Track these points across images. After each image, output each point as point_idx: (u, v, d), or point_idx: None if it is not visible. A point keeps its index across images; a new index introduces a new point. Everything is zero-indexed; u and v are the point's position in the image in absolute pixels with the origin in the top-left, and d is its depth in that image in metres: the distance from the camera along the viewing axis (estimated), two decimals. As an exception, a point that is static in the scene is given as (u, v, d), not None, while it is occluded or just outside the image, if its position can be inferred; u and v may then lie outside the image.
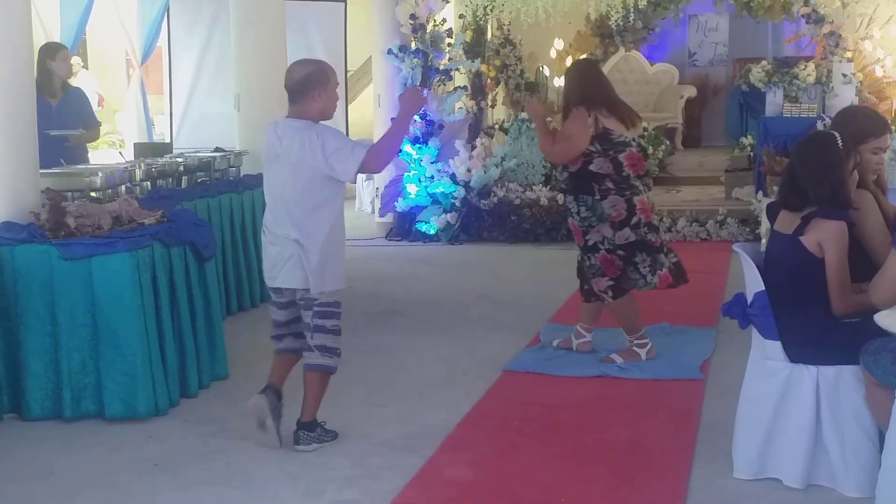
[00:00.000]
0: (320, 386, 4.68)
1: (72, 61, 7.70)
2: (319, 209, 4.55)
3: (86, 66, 11.88)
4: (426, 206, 10.54)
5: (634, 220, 5.79)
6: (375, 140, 4.92)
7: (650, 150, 12.50)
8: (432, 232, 10.32)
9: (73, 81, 8.30)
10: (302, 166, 4.52)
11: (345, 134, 4.96)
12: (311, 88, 4.59)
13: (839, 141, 4.07)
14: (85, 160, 7.55)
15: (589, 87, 5.83)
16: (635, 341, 6.02)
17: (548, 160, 5.69)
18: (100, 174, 6.14)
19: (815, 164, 4.07)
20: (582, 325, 6.22)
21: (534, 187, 10.60)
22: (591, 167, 5.74)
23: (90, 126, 7.71)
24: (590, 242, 5.86)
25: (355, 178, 4.71)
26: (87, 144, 7.83)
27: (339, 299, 4.67)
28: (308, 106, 4.61)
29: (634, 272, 5.88)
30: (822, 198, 4.01)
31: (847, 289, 3.98)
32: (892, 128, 10.03)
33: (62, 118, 7.39)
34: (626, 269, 5.86)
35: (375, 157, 4.58)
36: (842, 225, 3.98)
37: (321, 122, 4.65)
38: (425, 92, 10.52)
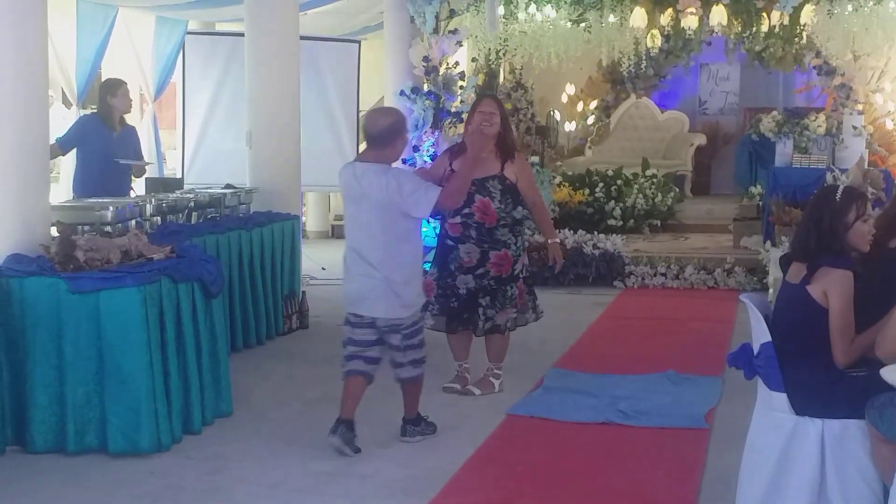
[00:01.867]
0: (417, 389, 5.41)
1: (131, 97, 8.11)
2: (402, 244, 5.13)
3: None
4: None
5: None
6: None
7: (659, 198, 12.55)
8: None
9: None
10: (383, 206, 5.05)
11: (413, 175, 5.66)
12: (394, 136, 5.14)
13: (838, 194, 4.08)
14: (128, 193, 7.89)
15: (508, 124, 6.37)
16: (495, 370, 6.38)
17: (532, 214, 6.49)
18: (111, 208, 6.17)
19: (809, 215, 4.11)
20: (466, 366, 6.45)
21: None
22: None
23: (140, 160, 8.13)
24: (515, 272, 6.23)
25: (429, 216, 5.45)
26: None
27: (419, 316, 5.36)
28: (388, 152, 5.15)
29: (532, 303, 6.40)
30: (822, 249, 4.03)
31: (848, 336, 3.96)
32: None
33: (122, 149, 7.79)
34: (527, 301, 6.36)
35: (449, 197, 5.27)
36: (847, 274, 3.98)
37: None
38: (436, 134, 10.59)
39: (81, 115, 8.52)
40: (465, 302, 6.19)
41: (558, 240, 6.76)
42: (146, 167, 8.24)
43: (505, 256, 6.16)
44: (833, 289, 3.96)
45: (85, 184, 7.58)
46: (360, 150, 5.42)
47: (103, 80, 8.54)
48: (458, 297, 6.20)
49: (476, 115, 6.12)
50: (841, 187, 4.14)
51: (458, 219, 6.14)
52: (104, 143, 7.68)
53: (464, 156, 5.77)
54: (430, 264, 6.43)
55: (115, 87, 7.90)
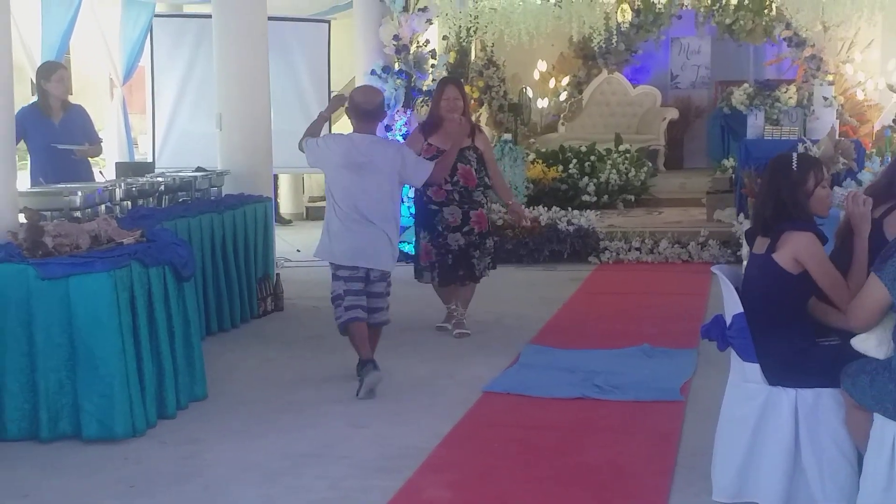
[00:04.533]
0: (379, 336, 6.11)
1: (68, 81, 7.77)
2: (395, 205, 6.03)
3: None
4: (408, 227, 10.53)
5: None
6: None
7: (632, 173, 12.57)
8: (414, 252, 10.28)
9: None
10: (386, 173, 5.90)
11: None
12: (382, 113, 6.09)
13: (794, 163, 4.08)
14: (90, 176, 7.66)
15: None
16: (467, 315, 7.29)
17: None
18: (79, 193, 6.11)
19: (767, 188, 4.12)
20: (453, 307, 7.26)
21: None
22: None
23: (92, 142, 7.77)
24: (490, 227, 7.26)
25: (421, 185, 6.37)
26: (91, 160, 7.92)
27: None
28: (376, 125, 6.02)
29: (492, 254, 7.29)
30: (782, 219, 4.03)
31: (842, 290, 3.94)
32: (872, 152, 10.13)
33: (65, 136, 7.50)
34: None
35: (440, 171, 6.35)
36: (810, 235, 3.98)
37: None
38: (409, 113, 10.55)
39: (20, 108, 8.30)
40: (458, 257, 7.07)
41: (524, 212, 7.42)
42: (92, 148, 7.72)
43: (482, 215, 7.13)
44: (803, 254, 3.97)
45: (36, 176, 7.40)
46: (355, 125, 6.03)
47: (40, 64, 8.18)
48: (452, 253, 7.08)
49: (442, 102, 6.99)
50: (794, 156, 4.13)
51: (448, 186, 6.95)
52: (44, 133, 7.43)
53: (442, 132, 6.87)
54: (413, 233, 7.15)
55: (48, 72, 7.58)
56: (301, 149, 6.15)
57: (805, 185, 4.06)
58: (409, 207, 10.52)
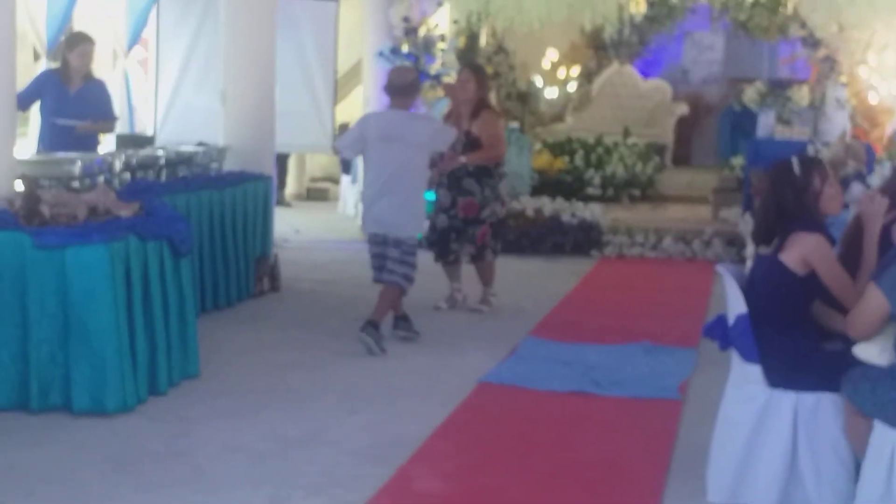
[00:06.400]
0: (391, 298, 6.43)
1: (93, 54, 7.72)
2: (422, 176, 6.50)
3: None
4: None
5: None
6: None
7: (639, 167, 12.49)
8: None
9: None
10: (416, 147, 6.32)
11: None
12: (415, 89, 6.58)
13: (796, 167, 4.01)
14: (95, 150, 7.52)
15: (486, 91, 7.65)
16: (490, 293, 7.55)
17: (486, 162, 7.34)
18: (78, 163, 6.04)
19: (772, 198, 4.06)
20: (456, 286, 7.57)
21: (520, 198, 10.50)
22: None
23: (105, 118, 7.71)
24: (482, 217, 7.32)
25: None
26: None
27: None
28: (410, 101, 6.50)
29: (493, 245, 7.49)
30: (790, 225, 3.97)
31: (850, 291, 3.89)
32: (883, 156, 10.04)
33: (78, 107, 7.43)
34: (488, 242, 7.43)
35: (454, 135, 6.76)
36: (820, 237, 3.93)
37: None
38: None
39: (43, 69, 8.24)
40: (440, 236, 7.39)
41: (464, 160, 7.23)
42: (99, 124, 7.61)
43: (471, 203, 7.29)
44: (813, 255, 3.92)
45: (42, 143, 7.35)
46: (391, 101, 6.53)
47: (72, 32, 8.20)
48: (437, 233, 7.42)
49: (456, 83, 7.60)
50: (794, 160, 4.06)
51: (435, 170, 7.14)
52: (56, 99, 7.41)
53: (454, 115, 7.37)
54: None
55: (73, 43, 7.61)
56: (335, 151, 6.66)
57: (811, 188, 4.00)
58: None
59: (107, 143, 7.97)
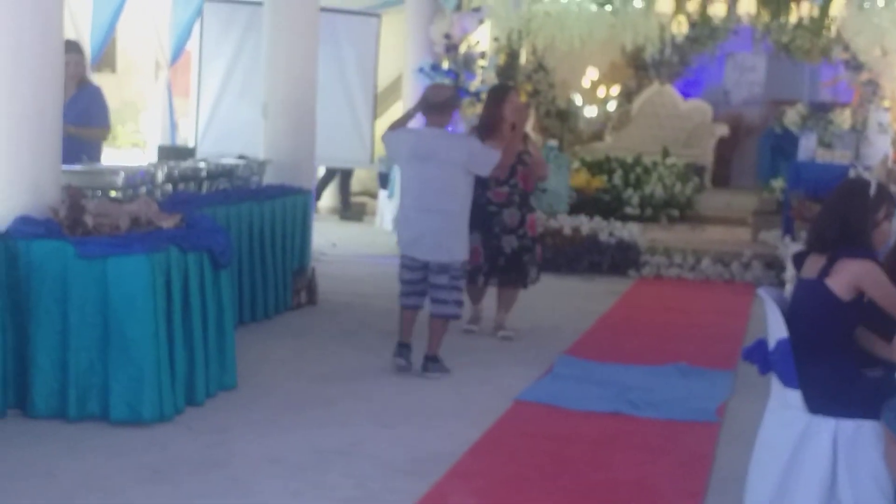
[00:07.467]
0: (445, 328, 6.20)
1: (84, 63, 7.64)
2: (466, 196, 6.16)
3: (113, 65, 11.86)
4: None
5: None
6: None
7: (678, 187, 12.43)
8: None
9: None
10: (448, 165, 6.05)
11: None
12: (452, 106, 6.38)
13: (873, 189, 3.98)
14: (96, 157, 7.41)
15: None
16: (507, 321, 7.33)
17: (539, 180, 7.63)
18: (121, 174, 6.10)
19: (835, 207, 4.02)
20: (479, 307, 7.39)
21: (558, 216, 10.48)
22: None
23: (97, 125, 7.54)
24: (539, 232, 7.42)
25: (489, 174, 6.29)
26: (103, 145, 7.79)
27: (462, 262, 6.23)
28: (446, 118, 6.29)
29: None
30: (843, 241, 3.93)
31: None
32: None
33: (67, 111, 7.25)
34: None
35: (506, 160, 6.33)
36: (871, 263, 3.90)
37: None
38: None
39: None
40: (510, 259, 7.10)
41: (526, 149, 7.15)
42: (89, 130, 7.41)
43: (535, 220, 7.29)
44: (866, 281, 3.88)
45: None
46: (426, 119, 6.28)
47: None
48: (505, 256, 7.09)
49: (507, 106, 6.95)
50: (874, 183, 4.03)
51: (505, 188, 7.01)
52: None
53: (499, 136, 6.76)
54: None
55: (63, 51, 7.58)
56: (383, 141, 6.45)
57: (875, 214, 3.97)
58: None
59: (149, 153, 8.02)
